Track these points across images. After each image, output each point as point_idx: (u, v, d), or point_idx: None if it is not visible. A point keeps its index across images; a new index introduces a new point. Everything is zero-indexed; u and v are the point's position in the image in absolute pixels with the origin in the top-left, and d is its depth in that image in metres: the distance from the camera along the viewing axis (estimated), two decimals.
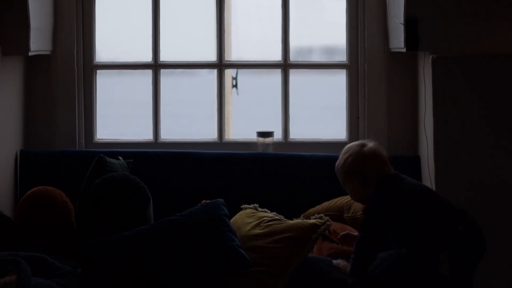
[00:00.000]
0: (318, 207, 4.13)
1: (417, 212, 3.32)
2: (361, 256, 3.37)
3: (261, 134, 4.54)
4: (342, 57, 4.64)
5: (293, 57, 4.65)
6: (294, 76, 4.65)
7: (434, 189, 3.96)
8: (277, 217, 3.73)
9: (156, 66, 4.62)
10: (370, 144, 3.51)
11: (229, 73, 4.85)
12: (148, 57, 4.63)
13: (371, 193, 3.41)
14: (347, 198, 4.04)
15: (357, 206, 3.94)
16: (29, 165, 4.36)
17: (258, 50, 4.82)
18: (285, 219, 3.70)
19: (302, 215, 4.10)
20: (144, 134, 4.66)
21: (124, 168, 4.11)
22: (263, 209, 3.84)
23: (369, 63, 4.54)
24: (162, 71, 4.64)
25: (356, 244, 3.39)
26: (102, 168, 3.98)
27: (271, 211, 3.86)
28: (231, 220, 3.72)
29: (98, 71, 4.65)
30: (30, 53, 4.15)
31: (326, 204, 4.12)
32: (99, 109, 4.65)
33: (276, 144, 4.58)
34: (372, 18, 4.51)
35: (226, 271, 3.45)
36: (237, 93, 5.03)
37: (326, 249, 3.80)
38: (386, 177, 3.42)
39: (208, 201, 3.76)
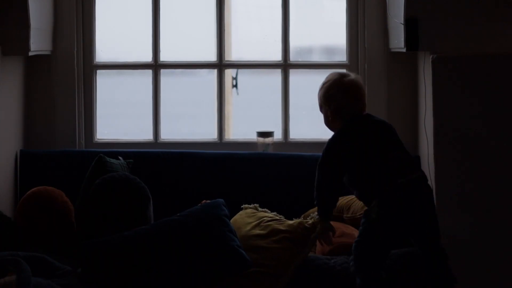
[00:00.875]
0: None
1: (367, 158, 3.41)
2: (321, 196, 3.49)
3: (261, 134, 4.54)
4: (342, 57, 4.64)
5: (293, 57, 4.65)
6: (294, 76, 4.65)
7: (434, 189, 3.96)
8: (277, 217, 3.73)
9: (156, 66, 4.62)
10: (352, 76, 3.61)
11: (229, 73, 4.85)
12: (148, 57, 4.63)
13: (339, 126, 3.53)
14: (346, 199, 4.05)
15: (357, 207, 3.94)
16: (29, 165, 4.36)
17: (258, 50, 4.82)
18: (285, 219, 3.71)
19: (302, 216, 4.10)
20: (144, 134, 4.66)
21: (124, 168, 4.11)
22: (263, 209, 3.84)
23: (369, 63, 4.54)
24: (162, 71, 4.64)
25: (315, 182, 3.50)
26: (102, 168, 3.98)
27: (271, 211, 3.86)
28: (231, 220, 3.72)
29: (98, 71, 4.65)
30: (30, 53, 4.15)
31: None
32: (99, 109, 4.65)
33: (276, 144, 4.57)
34: (372, 18, 4.51)
35: (226, 271, 3.45)
36: (237, 93, 5.03)
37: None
38: (355, 116, 3.52)
39: (208, 201, 3.76)
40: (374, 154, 3.42)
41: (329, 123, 3.62)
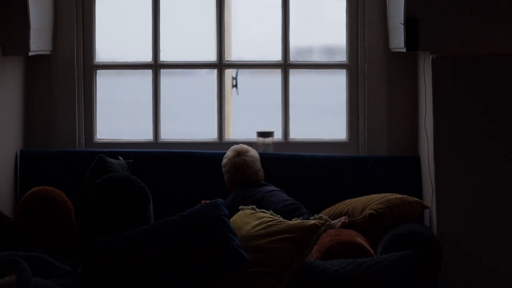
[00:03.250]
0: (328, 210, 4.15)
1: None
2: None
3: (261, 134, 4.54)
4: (342, 57, 4.64)
5: (293, 57, 4.65)
6: (294, 76, 4.65)
7: (434, 189, 3.96)
8: (276, 217, 3.73)
9: (156, 66, 4.62)
10: (243, 156, 4.20)
11: (229, 73, 4.85)
12: (148, 57, 4.64)
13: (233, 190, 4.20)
14: (346, 204, 4.06)
15: (356, 211, 3.95)
16: (29, 165, 4.36)
17: (258, 50, 4.82)
18: (285, 220, 3.70)
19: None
20: (144, 134, 4.66)
21: (124, 168, 4.11)
22: (260, 209, 3.83)
23: (369, 63, 4.53)
24: (162, 71, 4.64)
25: None
26: (102, 168, 3.98)
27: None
28: (230, 220, 3.72)
29: (98, 71, 4.65)
30: (30, 53, 4.15)
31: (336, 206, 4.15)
32: (99, 109, 4.66)
33: (276, 144, 4.57)
34: (372, 18, 4.51)
35: (226, 271, 3.45)
36: (237, 93, 5.04)
37: (326, 241, 3.80)
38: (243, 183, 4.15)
39: (208, 201, 3.76)
40: None
41: (227, 186, 4.27)
